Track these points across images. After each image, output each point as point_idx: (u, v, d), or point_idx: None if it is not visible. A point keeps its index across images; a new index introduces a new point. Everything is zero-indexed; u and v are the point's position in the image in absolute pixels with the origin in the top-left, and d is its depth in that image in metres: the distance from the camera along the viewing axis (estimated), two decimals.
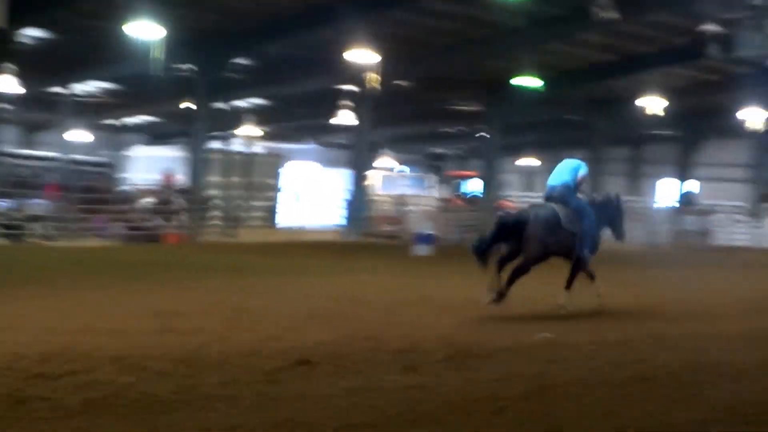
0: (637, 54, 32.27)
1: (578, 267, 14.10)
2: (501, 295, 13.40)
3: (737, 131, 40.91)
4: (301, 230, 35.82)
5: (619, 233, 15.14)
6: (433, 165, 54.96)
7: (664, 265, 27.23)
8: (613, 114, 39.10)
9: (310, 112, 40.15)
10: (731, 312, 15.13)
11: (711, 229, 39.60)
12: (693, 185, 44.15)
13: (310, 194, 43.08)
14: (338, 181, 39.71)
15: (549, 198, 14.26)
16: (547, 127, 45.93)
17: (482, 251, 13.33)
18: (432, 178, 42.81)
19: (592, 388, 8.57)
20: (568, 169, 14.46)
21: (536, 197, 46.99)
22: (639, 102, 34.25)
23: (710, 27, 22.47)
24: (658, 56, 31.91)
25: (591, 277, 14.22)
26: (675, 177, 43.18)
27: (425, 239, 26.98)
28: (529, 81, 31.15)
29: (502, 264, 13.62)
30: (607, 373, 9.28)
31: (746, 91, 35.83)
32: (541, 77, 30.85)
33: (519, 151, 49.92)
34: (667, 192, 47.21)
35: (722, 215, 42.93)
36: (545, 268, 14.28)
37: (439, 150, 55.95)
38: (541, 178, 52.57)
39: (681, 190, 42.41)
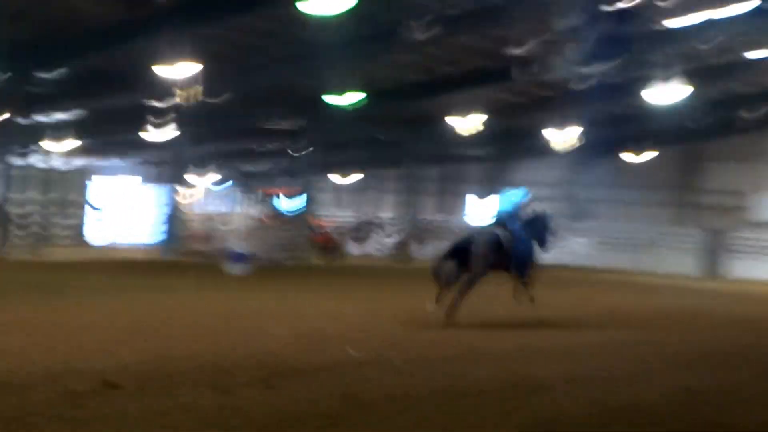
0: (448, 75, 32.92)
1: (527, 276, 16.61)
2: (451, 310, 15.36)
3: (546, 151, 42.24)
4: (113, 248, 34.96)
5: (543, 245, 17.17)
6: (250, 183, 54.57)
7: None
8: (427, 133, 39.74)
9: (125, 127, 39.30)
10: (542, 326, 15.60)
11: None
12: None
13: (124, 211, 42.09)
14: (153, 198, 38.96)
15: (497, 222, 16.84)
16: (362, 146, 46.32)
17: (439, 273, 15.80)
18: (248, 196, 42.40)
19: (400, 405, 8.66)
20: (512, 197, 17.29)
21: (350, 215, 47.61)
22: (451, 122, 34.94)
23: (516, 50, 23.15)
24: (468, 78, 32.64)
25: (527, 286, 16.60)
26: (486, 196, 44.19)
27: (240, 258, 26.75)
28: (344, 99, 31.31)
29: (448, 282, 15.75)
30: (417, 389, 9.39)
31: (554, 113, 37.05)
32: (356, 96, 31.07)
33: (335, 169, 50.18)
34: (476, 210, 48.28)
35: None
36: (364, 290, 14.42)
37: (255, 167, 55.63)
38: (355, 196, 53.18)
39: (491, 208, 43.38)
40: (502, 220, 16.73)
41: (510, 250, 16.11)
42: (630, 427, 8.46)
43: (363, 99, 31.86)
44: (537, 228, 17.14)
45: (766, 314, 21.56)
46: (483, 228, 17.53)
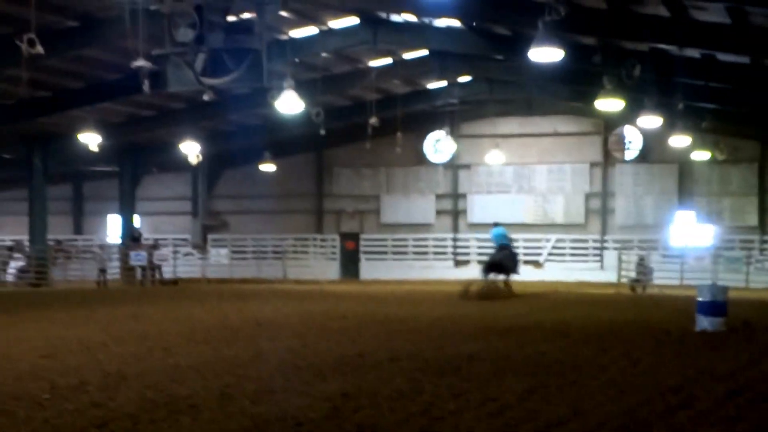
0: (69, 90, 31.78)
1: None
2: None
3: (178, 164, 41.82)
4: None
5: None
6: None
7: (111, 302, 27.03)
8: (52, 151, 38.08)
9: None
10: (185, 343, 15.30)
11: (158, 262, 40.02)
12: (136, 220, 44.33)
13: None
14: None
15: (501, 248, 31.24)
16: None
17: (486, 273, 29.84)
18: None
19: None
20: (504, 233, 32.08)
21: None
22: (78, 138, 33.68)
23: (142, 63, 22.57)
24: (91, 92, 31.65)
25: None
26: (119, 213, 43.12)
27: None
28: None
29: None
30: (64, 421, 8.85)
31: (184, 126, 36.75)
32: None
33: None
34: (113, 228, 47.02)
35: (168, 248, 43.59)
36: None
37: None
38: None
39: (125, 225, 42.39)
40: (504, 245, 31.39)
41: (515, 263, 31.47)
42: None
43: None
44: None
45: (406, 314, 22.16)
46: (499, 251, 31.14)
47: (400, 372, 12.03)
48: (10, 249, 40.17)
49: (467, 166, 44.47)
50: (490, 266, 30.10)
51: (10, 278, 38.44)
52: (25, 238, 39.96)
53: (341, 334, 17.16)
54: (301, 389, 10.64)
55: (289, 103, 27.10)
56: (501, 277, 30.28)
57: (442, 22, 27.69)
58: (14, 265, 39.15)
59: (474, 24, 27.22)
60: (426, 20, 27.65)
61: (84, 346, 14.82)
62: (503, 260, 30.40)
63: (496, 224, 33.32)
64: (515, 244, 35.23)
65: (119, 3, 21.75)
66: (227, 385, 10.81)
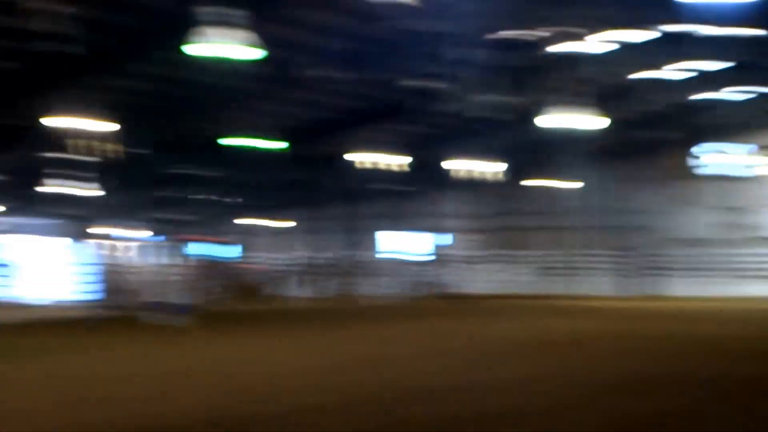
0: (350, 110, 32.69)
1: None
2: None
3: (466, 181, 42.37)
4: (32, 306, 33.39)
5: None
6: (173, 230, 53.84)
7: (417, 317, 27.56)
8: (339, 171, 39.31)
9: (26, 181, 38.46)
10: (507, 356, 15.57)
11: (454, 278, 40.51)
12: (441, 237, 44.92)
13: (34, 267, 40.29)
14: (66, 252, 37.79)
15: None
16: (287, 188, 45.86)
17: None
18: (172, 244, 41.74)
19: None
20: None
21: (286, 257, 47.00)
22: (361, 157, 34.61)
23: (414, 82, 23.05)
24: (371, 112, 32.50)
25: None
26: (420, 230, 43.89)
27: (180, 309, 25.92)
28: (260, 142, 30.76)
29: None
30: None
31: (459, 143, 37.06)
32: (269, 138, 30.51)
33: (263, 212, 49.77)
34: (412, 245, 47.87)
35: (464, 264, 44.03)
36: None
37: (178, 215, 54.83)
38: (290, 238, 52.44)
39: (425, 242, 43.13)
40: None
41: None
42: None
43: (287, 141, 31.42)
44: None
45: (708, 333, 21.43)
46: None
47: (714, 393, 11.70)
48: (324, 266, 41.91)
49: (761, 179, 42.63)
50: None
51: (324, 293, 40.06)
52: (319, 255, 41.75)
53: (648, 353, 16.81)
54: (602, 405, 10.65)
55: (581, 119, 27.00)
56: None
57: (738, 32, 26.82)
58: (326, 281, 40.82)
59: None
60: (723, 31, 26.88)
61: (407, 359, 15.44)
62: None
63: None
64: None
65: (396, 25, 22.16)
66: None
